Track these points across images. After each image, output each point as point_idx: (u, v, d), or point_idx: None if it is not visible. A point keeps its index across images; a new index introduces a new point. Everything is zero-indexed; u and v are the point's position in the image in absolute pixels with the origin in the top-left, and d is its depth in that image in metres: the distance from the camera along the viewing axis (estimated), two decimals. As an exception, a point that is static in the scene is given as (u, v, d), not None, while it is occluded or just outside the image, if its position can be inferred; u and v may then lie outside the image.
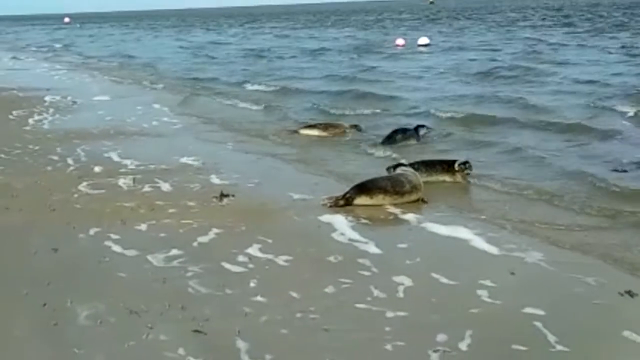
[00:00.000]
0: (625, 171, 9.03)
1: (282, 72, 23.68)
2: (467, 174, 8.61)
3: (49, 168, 9.44)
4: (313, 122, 12.70)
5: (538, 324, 4.66)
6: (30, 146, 10.95)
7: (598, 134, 11.24)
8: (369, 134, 12.08)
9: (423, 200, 7.67)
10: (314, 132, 12.06)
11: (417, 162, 8.72)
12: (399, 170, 8.01)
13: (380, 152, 10.61)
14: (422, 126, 11.76)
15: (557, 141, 11.08)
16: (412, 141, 11.23)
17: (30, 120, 13.76)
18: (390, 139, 11.21)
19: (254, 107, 15.79)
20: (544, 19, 54.76)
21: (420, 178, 7.87)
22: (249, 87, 19.90)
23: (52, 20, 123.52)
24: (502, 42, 32.71)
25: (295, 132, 12.24)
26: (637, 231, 6.64)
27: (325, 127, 12.23)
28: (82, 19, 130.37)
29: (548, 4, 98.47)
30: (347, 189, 7.63)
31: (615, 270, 5.69)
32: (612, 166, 9.22)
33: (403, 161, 8.79)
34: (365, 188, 7.51)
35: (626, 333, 4.56)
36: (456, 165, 8.64)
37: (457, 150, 10.45)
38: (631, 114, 12.94)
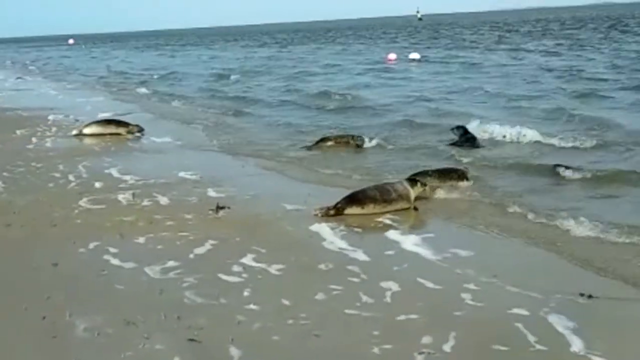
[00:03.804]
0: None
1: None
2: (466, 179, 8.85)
3: (51, 185, 9.60)
4: (325, 136, 13.00)
5: (519, 324, 4.82)
6: (33, 164, 11.12)
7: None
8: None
9: (415, 208, 7.86)
10: (327, 144, 12.41)
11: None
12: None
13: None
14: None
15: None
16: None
17: (34, 139, 13.93)
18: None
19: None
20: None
21: (408, 188, 7.96)
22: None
23: (60, 41, 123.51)
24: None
25: (313, 146, 12.43)
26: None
27: (335, 138, 12.63)
28: (90, 40, 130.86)
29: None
30: (339, 199, 7.78)
31: (586, 272, 5.89)
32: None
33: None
34: (356, 198, 7.71)
35: (600, 331, 4.73)
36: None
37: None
38: None
